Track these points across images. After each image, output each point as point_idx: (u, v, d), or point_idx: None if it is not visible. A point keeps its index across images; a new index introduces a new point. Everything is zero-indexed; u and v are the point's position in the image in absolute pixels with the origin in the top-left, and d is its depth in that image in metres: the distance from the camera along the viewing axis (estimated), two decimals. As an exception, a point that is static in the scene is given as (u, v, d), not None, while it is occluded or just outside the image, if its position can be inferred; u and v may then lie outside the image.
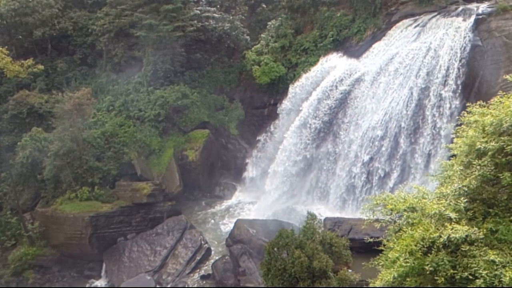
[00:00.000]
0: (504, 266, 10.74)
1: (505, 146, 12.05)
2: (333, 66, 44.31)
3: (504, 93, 13.86)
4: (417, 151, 37.33)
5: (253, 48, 52.13)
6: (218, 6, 55.23)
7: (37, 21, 49.66)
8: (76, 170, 41.50)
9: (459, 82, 35.72)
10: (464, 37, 35.96)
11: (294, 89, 46.55)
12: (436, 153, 36.12)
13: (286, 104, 47.06)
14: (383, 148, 38.36)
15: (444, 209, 12.04)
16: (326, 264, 23.47)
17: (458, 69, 35.66)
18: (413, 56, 38.16)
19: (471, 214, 12.43)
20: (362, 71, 41.45)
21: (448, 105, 35.92)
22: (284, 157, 44.50)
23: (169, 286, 35.75)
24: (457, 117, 32.39)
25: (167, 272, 36.95)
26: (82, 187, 41.06)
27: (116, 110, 47.63)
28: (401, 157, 37.90)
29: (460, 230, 11.26)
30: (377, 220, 14.20)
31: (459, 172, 13.55)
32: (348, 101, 41.55)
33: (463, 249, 11.42)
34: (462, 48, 35.72)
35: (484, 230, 11.64)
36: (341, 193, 40.75)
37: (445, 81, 36.13)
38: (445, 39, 37.08)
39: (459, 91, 35.83)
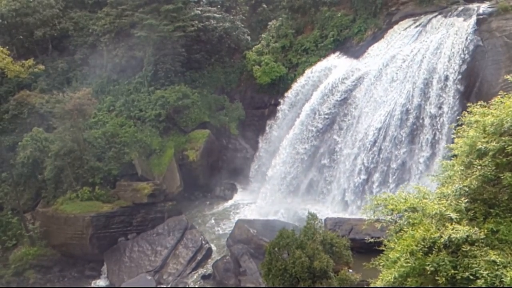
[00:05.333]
0: (505, 267, 10.74)
1: (506, 146, 12.04)
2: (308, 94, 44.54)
3: (505, 93, 13.85)
4: (417, 152, 37.31)
5: (253, 48, 52.16)
6: (219, 6, 55.26)
7: (38, 21, 49.74)
8: (77, 170, 41.52)
9: (459, 82, 35.69)
10: (465, 37, 35.92)
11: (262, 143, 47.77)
12: (437, 153, 36.10)
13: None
14: (384, 149, 38.33)
15: (445, 209, 12.03)
16: (327, 264, 23.47)
17: (459, 69, 35.64)
18: (414, 56, 38.16)
19: (472, 214, 12.42)
20: (362, 71, 41.45)
21: (448, 105, 35.90)
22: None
23: (169, 286, 35.75)
24: (457, 117, 32.39)
25: (168, 272, 36.96)
26: (83, 187, 41.06)
27: (116, 110, 47.66)
28: (402, 157, 37.87)
29: (461, 230, 11.25)
30: (378, 220, 14.19)
31: (460, 172, 13.54)
32: (349, 101, 41.60)
33: (464, 249, 11.41)
34: (463, 48, 35.68)
35: (485, 230, 11.63)
36: (342, 193, 40.74)
37: (446, 81, 36.10)
38: (445, 39, 37.07)
39: (460, 91, 35.79)
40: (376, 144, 38.56)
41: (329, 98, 42.22)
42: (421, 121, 37.22)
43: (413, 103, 37.33)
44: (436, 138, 36.35)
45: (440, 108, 36.30)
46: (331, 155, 42.26)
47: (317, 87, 43.45)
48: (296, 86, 46.17)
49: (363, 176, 38.93)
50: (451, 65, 35.94)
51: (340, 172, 41.03)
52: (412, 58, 38.27)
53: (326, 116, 42.27)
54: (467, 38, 35.82)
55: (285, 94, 47.11)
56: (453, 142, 14.88)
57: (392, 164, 37.68)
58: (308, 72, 45.66)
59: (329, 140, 42.61)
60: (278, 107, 47.59)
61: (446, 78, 36.05)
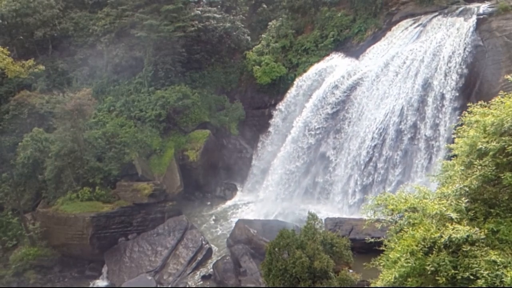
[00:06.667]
0: (505, 267, 10.72)
1: (506, 146, 12.02)
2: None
3: (505, 93, 13.83)
4: (417, 152, 37.24)
5: (254, 48, 52.15)
6: (219, 6, 55.23)
7: (38, 22, 49.74)
8: (77, 170, 41.52)
9: (460, 82, 35.64)
10: (465, 37, 35.89)
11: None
12: (437, 153, 36.02)
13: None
14: (384, 149, 38.26)
15: (445, 209, 12.01)
16: (327, 264, 23.48)
17: (459, 69, 35.59)
18: (414, 56, 38.09)
19: (472, 214, 12.41)
20: (362, 71, 41.38)
21: (449, 105, 35.78)
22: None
23: (170, 286, 35.75)
24: (458, 117, 32.38)
25: (168, 272, 36.96)
26: (83, 187, 41.06)
27: (117, 110, 47.66)
28: (402, 157, 37.81)
29: (461, 230, 11.24)
30: (378, 221, 14.16)
31: (460, 172, 13.52)
32: (349, 102, 41.45)
33: (464, 249, 11.39)
34: (463, 48, 35.65)
35: (485, 230, 11.61)
36: (342, 193, 40.66)
37: (446, 81, 36.04)
38: (446, 39, 37.03)
39: (460, 91, 35.73)
40: (371, 163, 38.23)
41: (320, 111, 41.64)
42: (416, 142, 36.92)
43: (407, 123, 36.96)
44: (432, 162, 35.90)
45: (435, 130, 35.89)
46: (324, 175, 41.98)
47: (309, 97, 42.97)
48: (288, 97, 45.83)
49: (358, 197, 38.71)
50: (451, 65, 35.79)
51: (334, 193, 40.91)
52: (406, 71, 37.78)
53: (318, 132, 41.85)
54: (467, 38, 35.74)
55: (277, 107, 46.85)
56: (453, 143, 14.88)
57: (387, 188, 37.42)
58: (298, 80, 45.28)
59: (322, 157, 42.16)
60: (270, 121, 47.19)
61: (442, 96, 35.76)
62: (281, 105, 46.57)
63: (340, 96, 41.19)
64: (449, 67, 35.77)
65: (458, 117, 33.14)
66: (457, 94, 35.34)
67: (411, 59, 38.02)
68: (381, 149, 37.86)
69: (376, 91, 39.22)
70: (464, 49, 35.46)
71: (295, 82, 45.75)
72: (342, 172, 40.23)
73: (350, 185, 39.48)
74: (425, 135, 36.30)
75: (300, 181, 42.81)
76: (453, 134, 15.07)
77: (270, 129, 47.19)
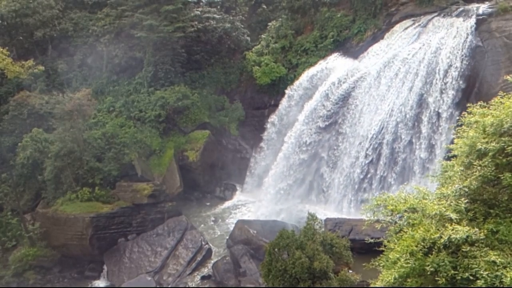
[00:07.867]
0: (505, 267, 10.74)
1: (505, 146, 12.05)
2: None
3: (505, 93, 13.87)
4: (417, 152, 37.22)
5: (253, 49, 52.17)
6: (219, 7, 55.30)
7: (37, 22, 49.75)
8: (77, 171, 41.50)
9: (459, 82, 35.63)
10: (465, 38, 35.85)
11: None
12: (435, 154, 36.01)
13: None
14: (384, 150, 38.22)
15: (444, 209, 12.04)
16: (327, 264, 23.49)
17: (459, 69, 35.53)
18: (413, 56, 38.05)
19: (471, 215, 12.43)
20: (361, 72, 41.33)
21: (445, 125, 35.48)
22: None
23: (169, 286, 35.74)
24: (457, 118, 32.30)
25: (168, 273, 36.94)
26: (83, 187, 41.03)
27: (116, 110, 47.65)
28: (401, 158, 37.77)
29: (460, 231, 11.26)
30: (377, 221, 14.20)
31: (459, 173, 13.55)
32: (342, 115, 40.95)
33: (463, 249, 11.41)
34: (463, 49, 35.60)
35: (485, 230, 11.64)
36: (342, 193, 40.60)
37: (446, 81, 36.00)
38: (445, 39, 36.99)
39: (460, 91, 35.71)
40: (366, 180, 37.94)
41: (310, 124, 41.12)
42: (411, 163, 36.63)
43: (402, 142, 36.64)
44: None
45: (431, 152, 35.60)
46: (318, 194, 41.67)
47: (302, 108, 42.51)
48: (280, 109, 45.37)
49: (353, 216, 38.55)
50: (450, 66, 35.68)
51: (330, 210, 40.74)
52: (400, 84, 37.35)
53: (310, 147, 41.32)
54: (466, 38, 35.68)
55: (269, 119, 46.43)
56: (452, 143, 14.90)
57: None
58: (289, 90, 44.79)
59: (316, 173, 41.76)
60: (263, 135, 46.76)
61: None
62: (273, 118, 46.20)
63: (331, 109, 40.62)
64: (445, 83, 35.24)
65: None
66: (454, 111, 35.05)
67: (404, 72, 37.53)
68: (376, 167, 37.42)
69: (367, 107, 38.88)
70: (462, 61, 34.98)
71: (286, 91, 45.22)
72: (335, 194, 40.06)
73: (343, 205, 39.32)
74: (420, 157, 35.98)
75: (296, 195, 42.60)
76: (453, 134, 15.09)
77: (263, 144, 46.74)
